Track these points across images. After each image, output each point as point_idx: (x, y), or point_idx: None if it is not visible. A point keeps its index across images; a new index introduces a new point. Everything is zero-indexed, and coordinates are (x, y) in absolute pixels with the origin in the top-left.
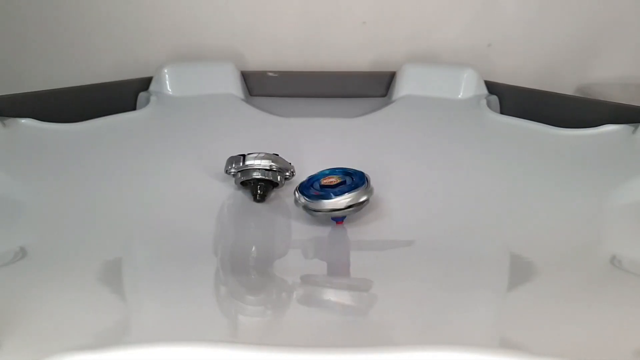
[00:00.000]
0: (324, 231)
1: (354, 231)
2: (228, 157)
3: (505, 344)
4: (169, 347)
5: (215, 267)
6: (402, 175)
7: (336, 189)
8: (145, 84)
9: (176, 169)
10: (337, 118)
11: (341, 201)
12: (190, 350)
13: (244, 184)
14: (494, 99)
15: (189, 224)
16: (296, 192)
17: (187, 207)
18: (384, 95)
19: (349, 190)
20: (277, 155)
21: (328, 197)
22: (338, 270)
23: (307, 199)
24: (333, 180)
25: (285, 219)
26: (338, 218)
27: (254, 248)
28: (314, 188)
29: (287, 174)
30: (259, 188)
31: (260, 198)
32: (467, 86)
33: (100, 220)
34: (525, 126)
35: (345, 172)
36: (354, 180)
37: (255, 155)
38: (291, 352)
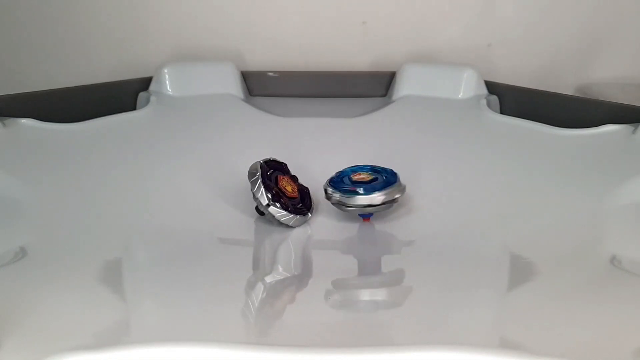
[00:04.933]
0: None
1: (351, 231)
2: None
3: (505, 344)
4: (169, 347)
5: (216, 266)
6: (401, 176)
7: (372, 185)
8: (145, 84)
9: (176, 169)
10: (337, 118)
11: (378, 197)
12: (190, 350)
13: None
14: (494, 99)
15: (189, 224)
16: (328, 188)
17: (187, 207)
18: (384, 95)
19: (384, 187)
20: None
21: (365, 192)
22: (337, 270)
23: (341, 194)
24: (364, 176)
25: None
26: (366, 215)
27: (254, 248)
28: (345, 183)
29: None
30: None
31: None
32: (467, 86)
33: (100, 220)
34: (525, 126)
35: (374, 169)
36: (385, 177)
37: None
38: (291, 352)
